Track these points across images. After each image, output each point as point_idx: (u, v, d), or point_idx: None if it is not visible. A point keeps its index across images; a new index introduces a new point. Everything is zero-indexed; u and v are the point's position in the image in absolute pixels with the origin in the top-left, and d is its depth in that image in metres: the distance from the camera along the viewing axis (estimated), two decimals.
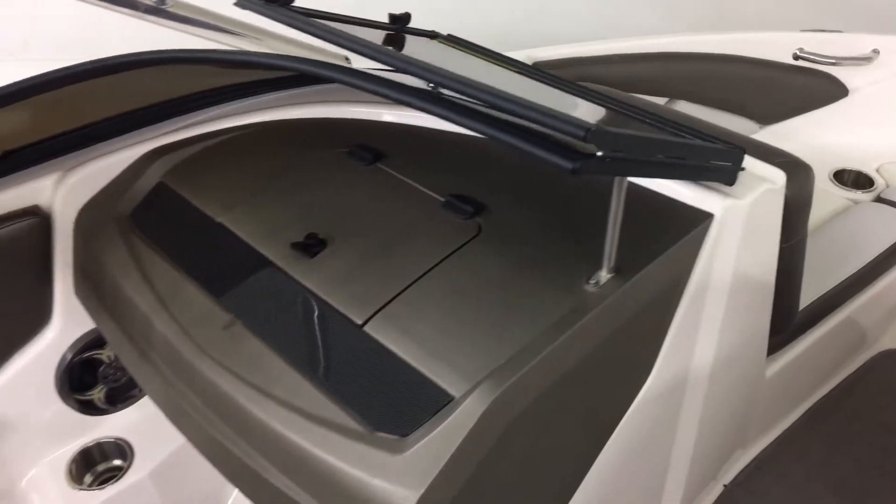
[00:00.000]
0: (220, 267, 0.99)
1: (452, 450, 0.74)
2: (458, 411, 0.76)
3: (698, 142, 0.92)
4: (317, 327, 0.89)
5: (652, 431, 1.15)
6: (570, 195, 1.04)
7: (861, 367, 1.85)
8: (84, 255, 1.12)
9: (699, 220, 0.97)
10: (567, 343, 0.82)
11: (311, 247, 0.96)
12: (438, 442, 0.75)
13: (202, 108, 1.22)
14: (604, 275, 0.87)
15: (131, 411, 1.34)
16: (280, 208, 1.04)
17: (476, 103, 0.75)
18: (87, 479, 1.29)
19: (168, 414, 0.99)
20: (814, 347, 1.57)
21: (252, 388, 0.86)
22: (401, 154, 1.12)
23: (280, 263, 0.96)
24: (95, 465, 1.31)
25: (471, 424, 0.75)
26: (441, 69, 0.72)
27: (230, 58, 0.83)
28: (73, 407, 1.26)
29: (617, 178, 0.79)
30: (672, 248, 0.93)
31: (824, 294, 1.53)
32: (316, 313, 0.90)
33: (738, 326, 1.17)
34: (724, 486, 1.56)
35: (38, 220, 1.10)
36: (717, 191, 0.99)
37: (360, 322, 0.87)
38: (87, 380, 1.27)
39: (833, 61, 1.97)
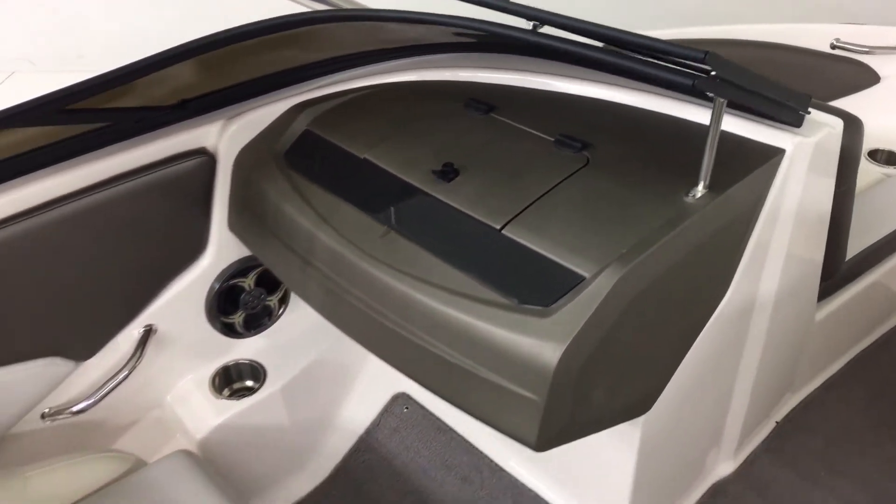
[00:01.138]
0: (371, 192, 1.19)
1: (588, 315, 0.93)
2: (591, 286, 0.95)
3: (778, 83, 1.11)
4: (462, 232, 1.08)
5: (723, 352, 1.33)
6: (659, 136, 1.23)
7: None
8: (241, 191, 1.32)
9: (773, 154, 1.16)
10: (674, 240, 1.01)
11: (447, 173, 1.16)
12: (577, 309, 0.94)
13: (337, 71, 1.42)
14: (700, 189, 1.06)
15: (262, 338, 1.54)
16: (414, 146, 1.24)
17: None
18: (225, 393, 1.48)
19: (328, 314, 1.18)
20: (856, 298, 1.75)
21: (413, 278, 1.05)
22: (509, 107, 1.32)
23: (423, 187, 1.16)
24: (232, 382, 1.51)
25: (602, 296, 0.94)
26: (593, 22, 0.93)
27: (439, 20, 1.03)
28: (217, 329, 1.46)
29: (717, 102, 0.98)
30: (752, 174, 1.12)
31: (864, 250, 1.70)
32: (460, 222, 1.09)
33: (798, 260, 1.35)
34: (777, 422, 1.73)
35: (205, 160, 1.31)
36: (787, 131, 1.18)
37: (498, 227, 1.06)
38: (228, 307, 1.46)
39: (867, 50, 2.15)
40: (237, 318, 1.48)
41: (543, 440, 0.96)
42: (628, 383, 1.07)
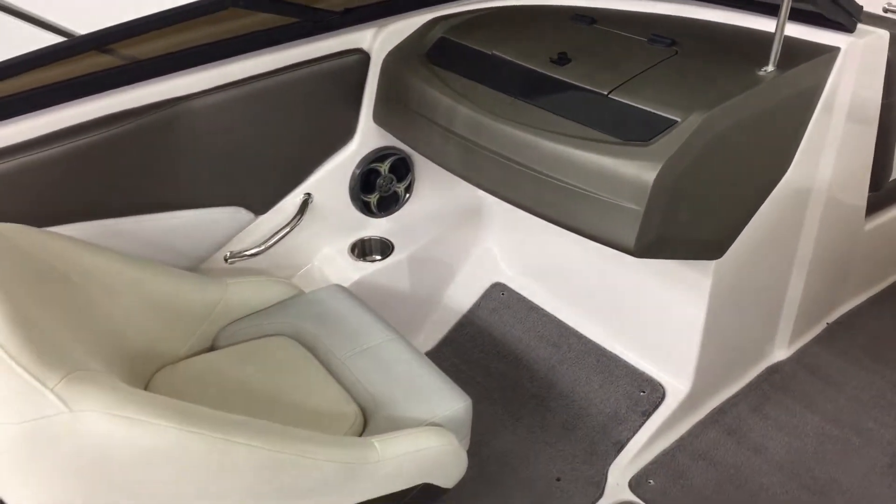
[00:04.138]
0: (499, 76, 1.49)
1: (680, 144, 1.21)
2: (682, 124, 1.23)
3: None
4: (576, 98, 1.37)
5: (782, 229, 1.58)
6: (733, 39, 1.51)
7: None
8: (387, 85, 1.64)
9: (830, 50, 1.42)
10: (748, 98, 1.28)
11: (562, 60, 1.46)
12: (670, 141, 1.22)
13: None
14: (770, 67, 1.34)
15: (390, 220, 1.85)
16: (533, 43, 1.54)
17: None
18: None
19: (464, 170, 1.48)
20: None
21: (537, 129, 1.34)
22: (608, 20, 1.62)
23: (542, 70, 1.46)
24: (365, 255, 1.81)
25: (691, 130, 1.22)
26: None
27: None
28: (356, 207, 1.77)
29: None
30: (811, 61, 1.39)
31: None
32: (574, 91, 1.39)
33: (849, 158, 1.60)
34: (827, 323, 1.96)
35: (361, 57, 1.63)
36: (842, 34, 1.44)
37: (605, 92, 1.35)
38: (366, 188, 1.78)
39: None
40: (372, 199, 1.80)
41: (640, 245, 1.24)
42: (707, 219, 1.34)
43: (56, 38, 1.31)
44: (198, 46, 1.46)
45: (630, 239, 1.24)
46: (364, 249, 1.81)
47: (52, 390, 0.77)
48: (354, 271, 1.73)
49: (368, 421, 1.24)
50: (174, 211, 1.50)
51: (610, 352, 1.77)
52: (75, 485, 0.81)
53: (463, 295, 1.97)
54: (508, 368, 1.80)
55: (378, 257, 1.81)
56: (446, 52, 1.61)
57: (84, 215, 1.38)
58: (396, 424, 1.22)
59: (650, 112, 1.29)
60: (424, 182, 1.89)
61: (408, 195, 1.87)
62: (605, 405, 1.67)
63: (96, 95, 1.36)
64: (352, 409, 1.24)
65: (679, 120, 1.25)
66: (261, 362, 1.34)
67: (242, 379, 1.29)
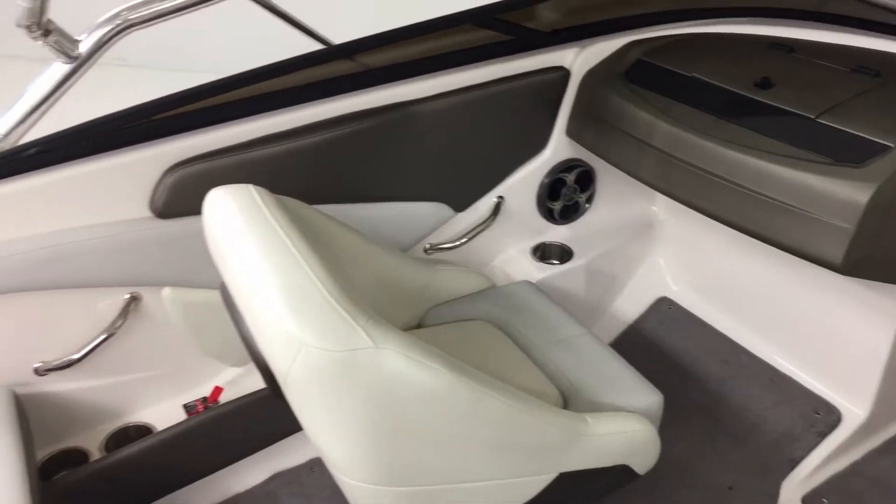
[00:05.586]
0: (700, 97, 1.58)
1: (894, 169, 1.25)
2: (895, 150, 1.27)
3: None
4: (782, 120, 1.44)
5: None
6: None
7: None
8: (584, 101, 1.76)
9: None
10: None
11: (766, 84, 1.53)
12: (885, 164, 1.27)
13: (659, 23, 1.85)
14: None
15: (569, 228, 1.96)
16: (732, 67, 1.62)
17: None
18: None
19: (661, 181, 1.57)
20: None
21: (746, 147, 1.42)
22: (806, 50, 1.67)
23: (746, 93, 1.53)
24: (545, 258, 1.93)
25: None
26: None
27: None
28: (541, 213, 1.90)
29: None
30: None
31: None
32: (780, 114, 1.45)
33: None
34: None
35: (562, 74, 1.76)
36: None
37: (814, 116, 1.41)
38: (551, 197, 1.90)
39: None
40: (556, 206, 1.91)
41: (846, 263, 1.28)
42: None
43: (315, 45, 1.52)
44: (423, 59, 1.63)
45: (838, 256, 1.29)
46: (544, 253, 1.93)
47: (362, 328, 0.92)
48: (536, 272, 1.84)
49: (568, 403, 1.35)
50: (389, 202, 1.67)
51: (782, 372, 1.79)
52: (365, 410, 0.95)
53: (631, 305, 2.04)
54: (676, 379, 1.86)
55: (556, 262, 1.92)
56: (644, 73, 1.72)
57: (318, 199, 1.57)
58: (595, 409, 1.31)
59: (861, 136, 1.34)
60: (604, 195, 1.99)
61: (588, 206, 1.97)
62: (779, 423, 1.70)
63: (340, 96, 1.55)
64: (553, 390, 1.35)
65: (893, 146, 1.30)
66: (467, 341, 1.47)
67: (454, 354, 1.42)
